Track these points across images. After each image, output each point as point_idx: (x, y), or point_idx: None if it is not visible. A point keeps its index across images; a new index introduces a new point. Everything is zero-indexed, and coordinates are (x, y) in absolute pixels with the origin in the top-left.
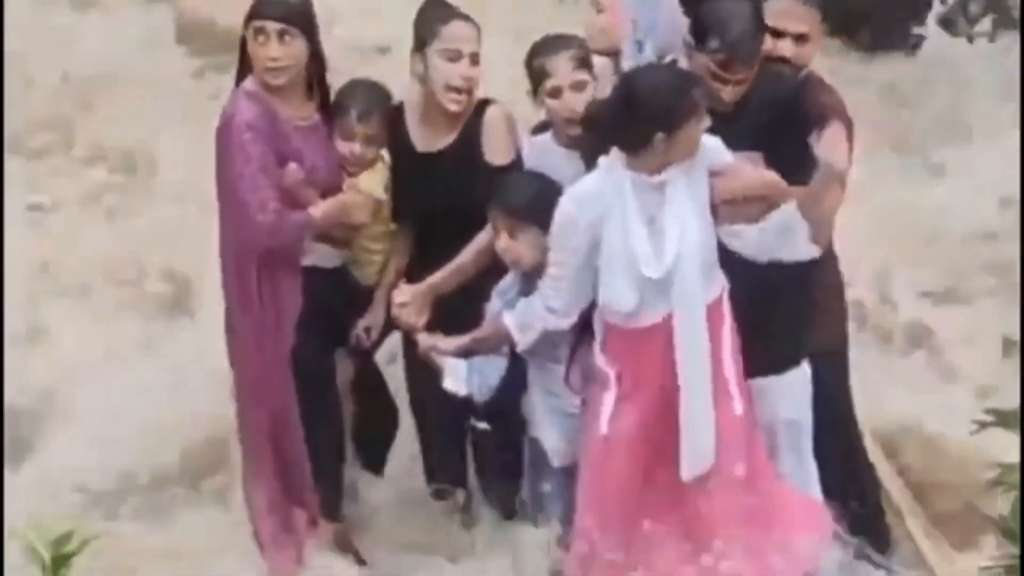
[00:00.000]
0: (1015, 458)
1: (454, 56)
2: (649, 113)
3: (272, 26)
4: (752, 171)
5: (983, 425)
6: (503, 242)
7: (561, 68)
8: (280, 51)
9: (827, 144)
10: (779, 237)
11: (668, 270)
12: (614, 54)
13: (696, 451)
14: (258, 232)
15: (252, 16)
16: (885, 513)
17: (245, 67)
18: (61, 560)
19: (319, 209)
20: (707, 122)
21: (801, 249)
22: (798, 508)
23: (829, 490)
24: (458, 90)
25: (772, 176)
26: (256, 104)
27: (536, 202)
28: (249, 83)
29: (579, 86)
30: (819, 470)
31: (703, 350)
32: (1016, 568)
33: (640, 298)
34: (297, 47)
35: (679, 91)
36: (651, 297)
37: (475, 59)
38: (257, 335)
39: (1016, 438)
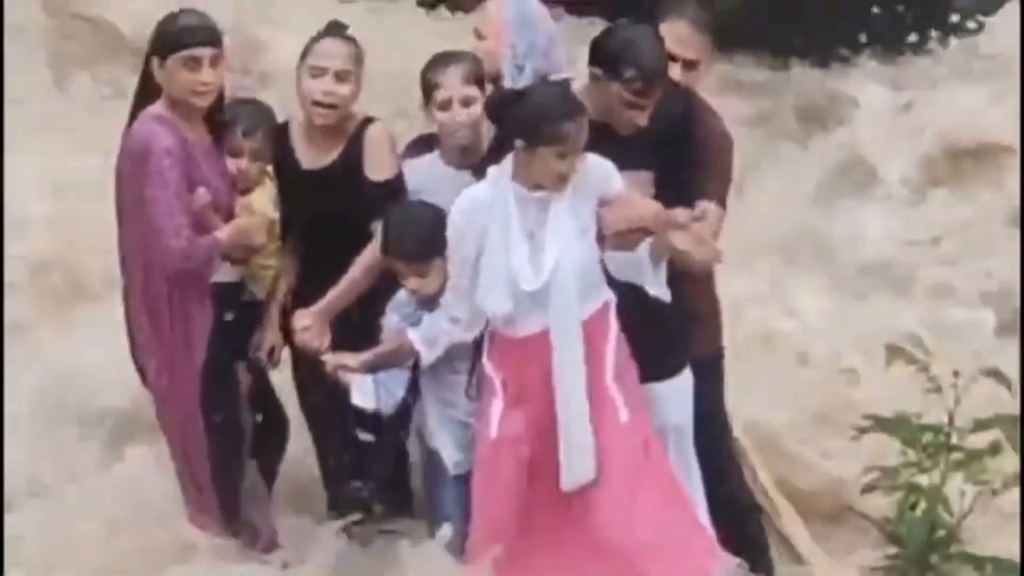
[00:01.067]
0: (893, 462)
1: (318, 73)
2: (520, 116)
3: (205, 52)
4: (640, 204)
5: (863, 431)
6: (413, 283)
7: (452, 81)
8: (211, 76)
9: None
10: (633, 270)
11: (545, 284)
12: (496, 79)
13: (574, 461)
14: (171, 256)
15: (180, 45)
16: (764, 531)
17: (149, 93)
18: None
19: (224, 232)
20: (577, 157)
21: (651, 285)
22: (685, 531)
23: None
24: (320, 104)
25: (657, 210)
26: (170, 130)
27: (432, 239)
28: (159, 108)
29: (467, 100)
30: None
31: (577, 363)
32: (898, 568)
33: (515, 307)
34: (222, 70)
35: (555, 113)
36: (527, 309)
37: (342, 76)
38: (168, 351)
39: (894, 442)
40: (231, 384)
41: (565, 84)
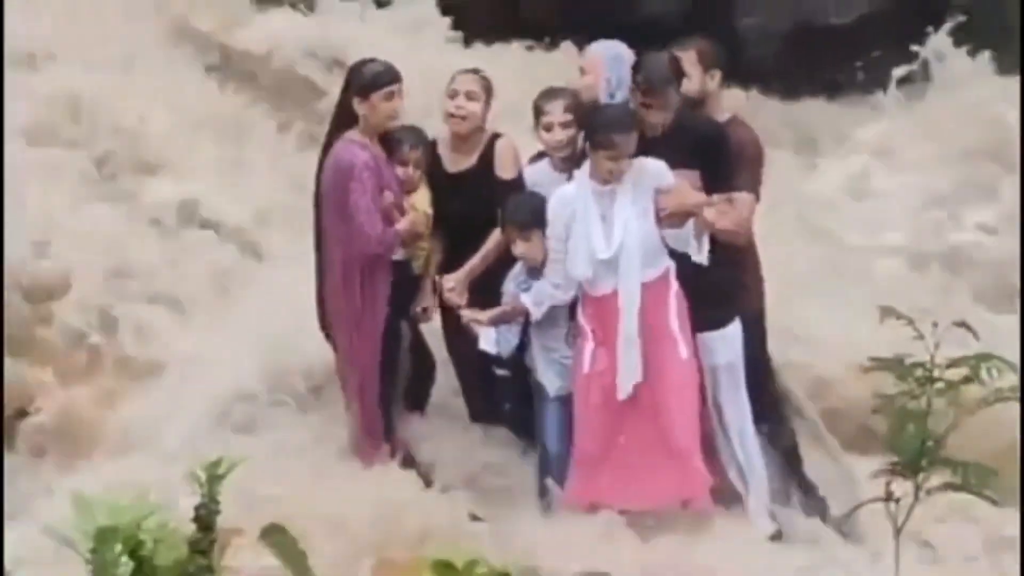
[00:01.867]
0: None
1: (453, 94)
2: (588, 126)
3: (396, 87)
4: (685, 192)
5: (867, 370)
6: (520, 247)
7: (554, 110)
8: (399, 104)
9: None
10: (683, 242)
11: (614, 254)
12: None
13: (624, 377)
14: (370, 243)
15: (381, 84)
16: (796, 439)
17: (343, 123)
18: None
19: (401, 224)
20: (623, 161)
21: (694, 253)
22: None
23: (757, 416)
24: (454, 116)
25: (699, 197)
26: (365, 150)
27: (535, 213)
28: (354, 134)
29: (565, 125)
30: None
31: (634, 311)
32: (898, 471)
33: (594, 273)
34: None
35: (607, 126)
36: (603, 273)
37: (471, 95)
38: (356, 315)
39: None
40: (398, 336)
41: (624, 105)
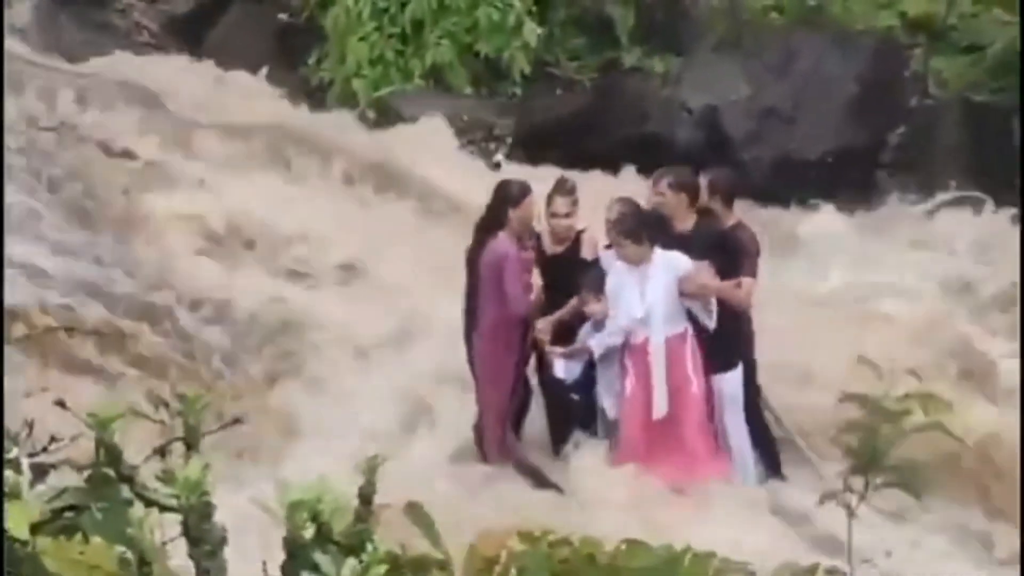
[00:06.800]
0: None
1: (553, 215)
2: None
3: (534, 198)
4: (703, 278)
5: (841, 400)
6: (593, 306)
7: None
8: (534, 211)
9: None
10: (699, 310)
11: (646, 313)
12: None
13: (657, 404)
14: (519, 306)
15: (525, 196)
16: (776, 444)
17: (491, 226)
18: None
19: (533, 296)
20: (646, 248)
21: (705, 319)
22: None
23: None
24: (554, 230)
25: (712, 283)
26: (511, 244)
27: (601, 286)
28: (504, 234)
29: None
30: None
31: (662, 354)
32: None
33: (632, 326)
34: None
35: (618, 229)
36: (639, 327)
37: (568, 215)
38: (497, 357)
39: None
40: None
41: (645, 217)
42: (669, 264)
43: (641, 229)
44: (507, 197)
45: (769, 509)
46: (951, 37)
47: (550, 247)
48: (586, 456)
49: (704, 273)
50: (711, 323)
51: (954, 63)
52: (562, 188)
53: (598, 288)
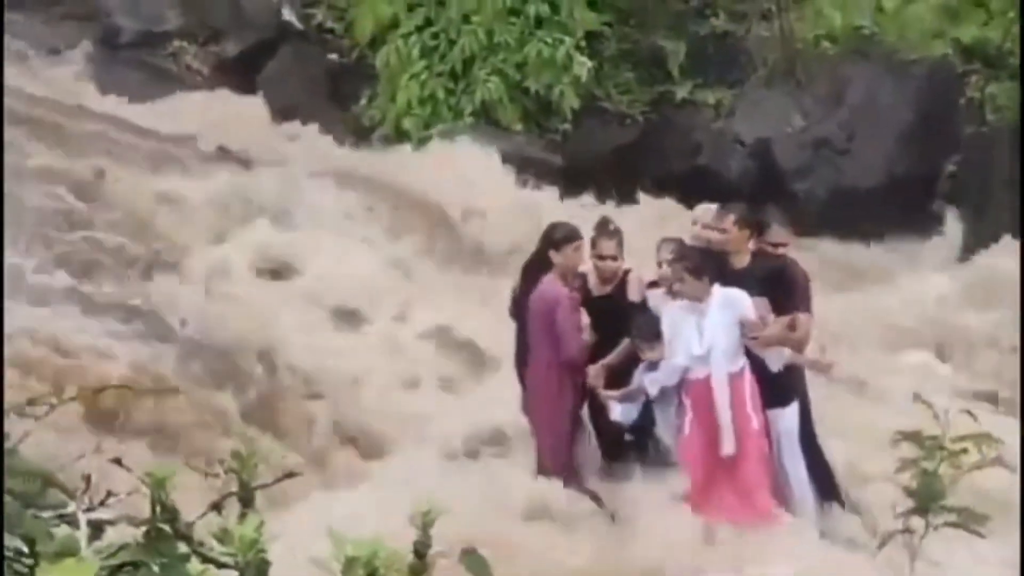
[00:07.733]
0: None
1: (599, 256)
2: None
3: (582, 242)
4: (765, 326)
5: (896, 440)
6: (648, 353)
7: (666, 255)
8: (583, 254)
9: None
10: (772, 357)
11: (706, 351)
12: None
13: (726, 441)
14: (572, 348)
15: (573, 239)
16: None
17: (539, 268)
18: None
19: (586, 336)
20: (706, 285)
21: (772, 363)
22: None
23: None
24: (599, 270)
25: (777, 332)
26: (561, 286)
27: (653, 329)
28: (552, 275)
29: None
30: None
31: (725, 391)
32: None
33: (691, 364)
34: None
35: (694, 269)
36: (698, 364)
37: (614, 257)
38: (551, 397)
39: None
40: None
41: (700, 255)
42: (728, 301)
43: (704, 265)
44: (556, 239)
45: (830, 540)
46: (1007, 63)
47: (596, 288)
48: (649, 493)
49: (775, 328)
50: (777, 366)
51: (1010, 89)
52: (606, 230)
53: (651, 333)
